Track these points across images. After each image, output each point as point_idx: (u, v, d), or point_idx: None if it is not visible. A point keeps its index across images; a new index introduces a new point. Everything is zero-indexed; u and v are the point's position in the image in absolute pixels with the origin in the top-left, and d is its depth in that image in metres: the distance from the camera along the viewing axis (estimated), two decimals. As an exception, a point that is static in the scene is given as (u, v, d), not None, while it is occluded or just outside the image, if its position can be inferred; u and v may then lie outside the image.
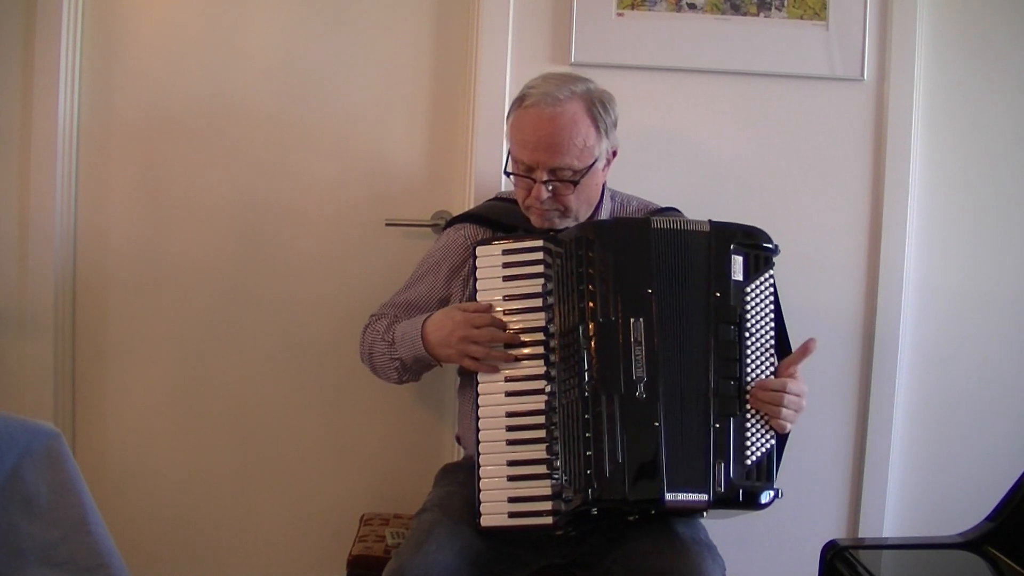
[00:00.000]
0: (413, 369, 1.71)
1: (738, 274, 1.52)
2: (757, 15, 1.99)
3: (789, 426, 1.51)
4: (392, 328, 1.71)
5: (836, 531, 2.05)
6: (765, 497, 1.48)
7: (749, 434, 1.49)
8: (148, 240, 2.08)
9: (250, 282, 2.09)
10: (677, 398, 1.47)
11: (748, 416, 1.49)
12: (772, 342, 1.54)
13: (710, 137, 2.03)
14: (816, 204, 2.04)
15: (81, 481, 1.30)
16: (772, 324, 1.54)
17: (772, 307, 1.55)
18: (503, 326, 1.53)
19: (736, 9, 1.99)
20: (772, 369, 1.53)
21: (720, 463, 1.45)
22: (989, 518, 1.63)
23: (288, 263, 2.09)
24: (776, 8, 1.99)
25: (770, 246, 1.56)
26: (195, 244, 2.08)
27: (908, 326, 2.05)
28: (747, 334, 1.51)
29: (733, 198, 2.02)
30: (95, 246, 2.08)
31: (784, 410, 1.49)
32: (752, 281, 1.53)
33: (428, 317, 1.64)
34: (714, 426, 1.46)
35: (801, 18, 1.99)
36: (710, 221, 1.54)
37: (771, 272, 1.55)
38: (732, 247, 1.53)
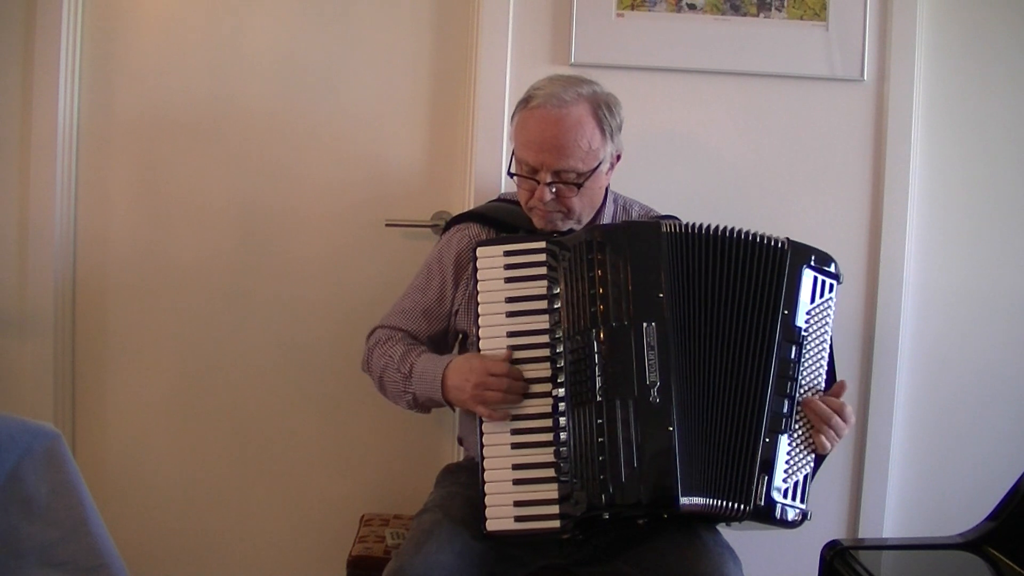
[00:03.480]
0: (424, 406, 1.68)
1: (805, 295, 1.53)
2: (757, 16, 1.99)
3: (830, 447, 1.51)
4: (408, 359, 1.65)
5: (836, 531, 2.05)
6: (797, 516, 1.49)
7: (794, 453, 1.50)
8: (148, 240, 2.08)
9: (250, 282, 2.09)
10: (700, 402, 1.47)
11: (796, 436, 1.50)
12: (824, 368, 1.55)
13: (710, 138, 2.03)
14: (816, 204, 2.04)
15: (81, 482, 1.30)
16: (827, 351, 1.55)
17: (829, 334, 1.56)
18: (520, 376, 1.50)
19: (736, 10, 1.99)
20: (819, 395, 1.54)
21: (764, 477, 1.46)
22: (989, 518, 1.63)
23: (288, 264, 2.09)
24: (776, 8, 1.99)
25: (835, 272, 1.57)
26: (195, 245, 2.08)
27: (908, 326, 2.05)
28: (804, 355, 1.52)
29: (733, 198, 2.02)
30: (95, 247, 2.08)
31: (831, 430, 1.50)
32: (816, 304, 1.54)
33: (450, 362, 1.60)
34: (764, 440, 1.47)
35: (801, 18, 1.99)
36: (788, 239, 1.54)
37: (833, 298, 1.56)
38: (804, 268, 1.53)
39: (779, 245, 1.53)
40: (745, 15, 1.99)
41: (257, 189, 2.07)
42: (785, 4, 1.99)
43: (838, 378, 1.57)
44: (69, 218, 2.05)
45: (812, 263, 1.54)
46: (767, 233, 1.54)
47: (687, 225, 1.53)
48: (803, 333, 1.52)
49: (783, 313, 1.50)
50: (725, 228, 1.53)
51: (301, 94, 2.06)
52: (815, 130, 2.03)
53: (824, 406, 1.50)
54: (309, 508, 2.13)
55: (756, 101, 2.02)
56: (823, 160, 2.04)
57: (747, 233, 1.53)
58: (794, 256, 1.53)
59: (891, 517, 2.07)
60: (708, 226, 1.53)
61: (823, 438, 1.50)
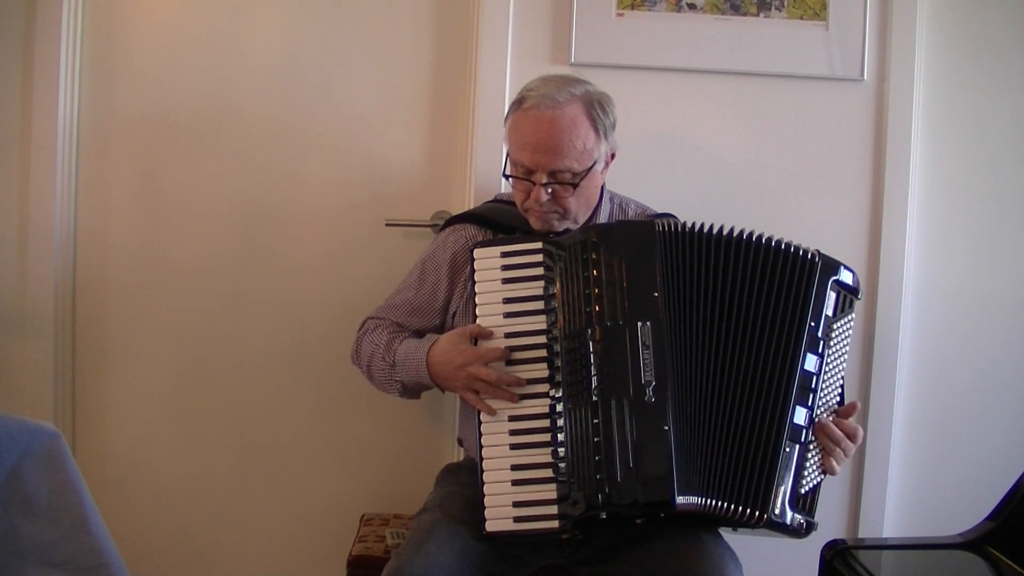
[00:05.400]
0: (415, 391, 1.70)
1: (829, 309, 1.53)
2: (757, 15, 1.99)
3: (838, 469, 1.53)
4: (393, 346, 1.68)
5: (836, 531, 2.05)
6: (805, 525, 1.49)
7: (808, 464, 1.50)
8: (148, 240, 2.08)
9: (250, 282, 2.09)
10: (703, 403, 1.47)
11: (811, 447, 1.51)
12: (841, 383, 1.56)
13: (710, 137, 2.03)
14: (816, 204, 2.04)
15: (81, 481, 1.30)
16: (844, 366, 1.56)
17: (847, 350, 1.56)
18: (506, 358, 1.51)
19: (736, 9, 1.99)
20: (834, 411, 1.55)
21: (781, 487, 1.46)
22: (989, 518, 1.63)
23: (288, 264, 2.09)
24: (776, 8, 1.99)
25: (856, 287, 1.57)
26: (195, 244, 2.08)
27: (908, 326, 2.05)
28: (825, 368, 1.52)
29: (733, 198, 2.02)
30: (95, 246, 2.08)
31: (842, 453, 1.52)
32: (838, 320, 1.54)
33: (433, 344, 1.61)
34: (784, 449, 1.47)
35: (801, 18, 2.00)
36: (819, 251, 1.54)
37: (853, 316, 1.57)
38: (831, 281, 1.53)
39: (810, 256, 1.53)
40: (745, 15, 1.99)
41: (257, 189, 2.07)
42: (785, 4, 1.99)
43: (843, 386, 1.58)
44: (69, 218, 2.05)
45: (839, 277, 1.54)
46: (796, 242, 1.53)
47: (690, 225, 1.52)
48: (827, 347, 1.52)
49: (809, 325, 1.50)
50: (742, 231, 1.52)
51: (301, 94, 2.06)
52: (815, 130, 2.03)
53: (837, 430, 1.52)
54: (309, 508, 2.13)
55: (756, 101, 2.02)
56: (823, 160, 2.04)
57: (769, 239, 1.52)
58: (823, 269, 1.53)
59: (891, 517, 2.07)
60: (720, 228, 1.52)
61: (832, 461, 1.52)
